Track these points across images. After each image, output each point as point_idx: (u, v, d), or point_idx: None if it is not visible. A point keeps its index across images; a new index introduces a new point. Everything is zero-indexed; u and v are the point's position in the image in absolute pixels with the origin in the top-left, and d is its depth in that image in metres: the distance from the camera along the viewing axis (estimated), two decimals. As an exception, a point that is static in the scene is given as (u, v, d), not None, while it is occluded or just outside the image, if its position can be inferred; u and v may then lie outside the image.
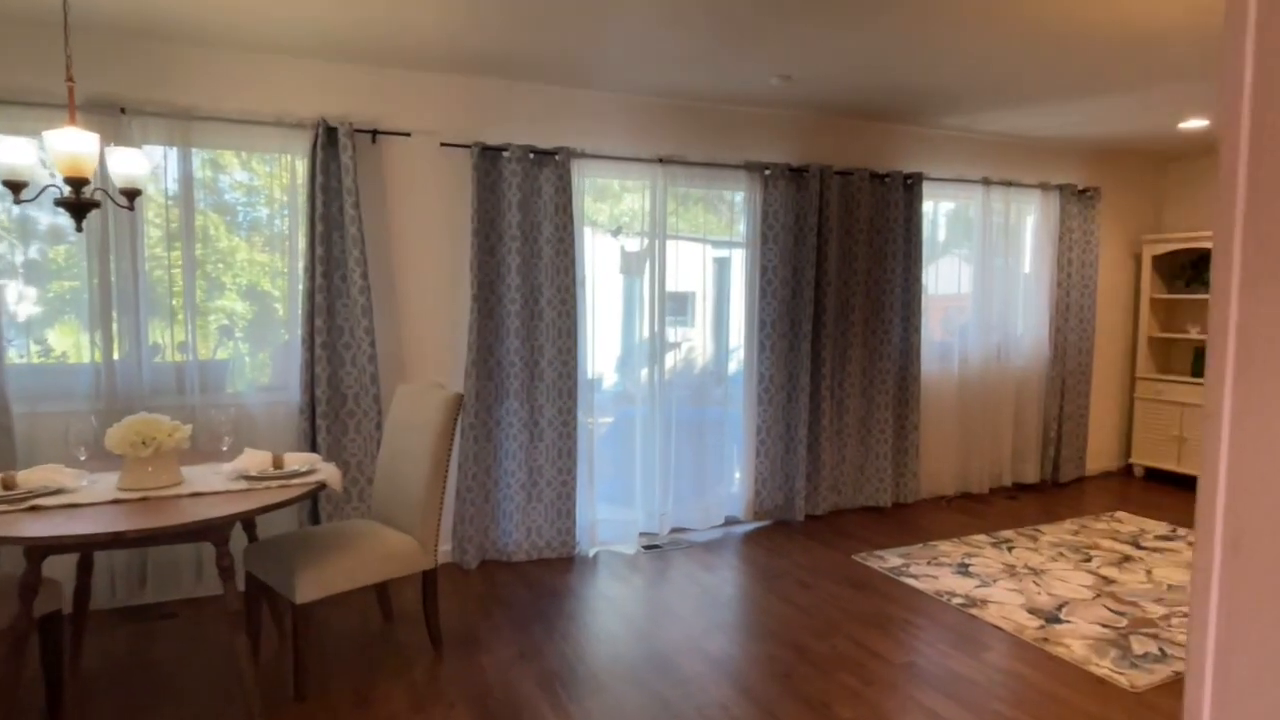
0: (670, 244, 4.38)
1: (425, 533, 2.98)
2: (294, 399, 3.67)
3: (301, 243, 3.61)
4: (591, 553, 4.18)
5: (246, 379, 3.70)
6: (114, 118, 3.25)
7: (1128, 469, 6.17)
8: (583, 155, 4.09)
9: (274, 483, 2.62)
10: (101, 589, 3.36)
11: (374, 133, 3.73)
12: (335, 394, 3.67)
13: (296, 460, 2.82)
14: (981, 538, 4.46)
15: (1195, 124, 4.82)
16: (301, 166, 3.61)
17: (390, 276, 3.87)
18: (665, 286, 4.37)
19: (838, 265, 4.79)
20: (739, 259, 4.66)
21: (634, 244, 4.42)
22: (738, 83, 4.01)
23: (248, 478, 2.65)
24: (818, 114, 4.73)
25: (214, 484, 2.60)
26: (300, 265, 3.62)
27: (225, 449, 2.90)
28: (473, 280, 3.85)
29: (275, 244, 3.68)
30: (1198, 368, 5.74)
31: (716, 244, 4.69)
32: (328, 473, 2.75)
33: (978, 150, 5.32)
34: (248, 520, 3.10)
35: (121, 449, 2.47)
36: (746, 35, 3.27)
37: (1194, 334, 5.73)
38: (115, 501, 2.42)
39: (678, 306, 4.56)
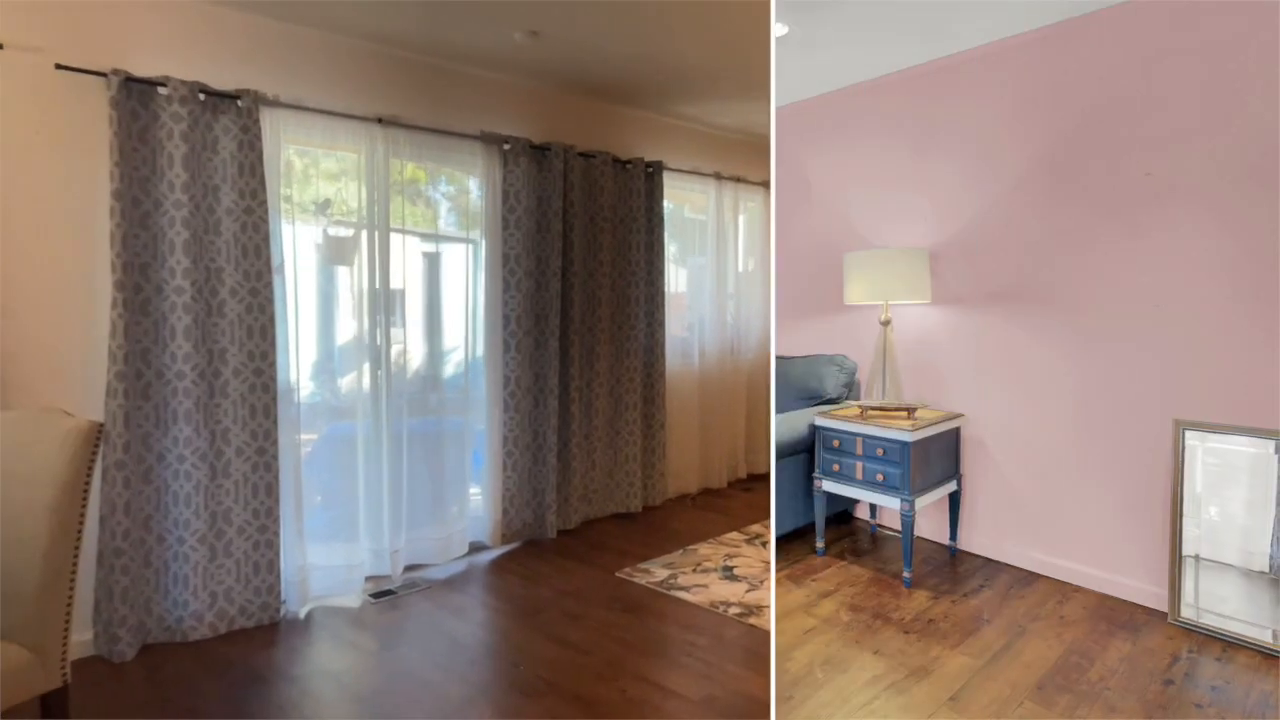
0: (393, 221, 3.63)
1: (45, 634, 1.98)
2: None
3: None
4: (303, 612, 3.29)
5: None
6: None
7: (835, 452, 6.64)
8: (278, 104, 3.18)
9: None
10: None
11: (-64, 37, 2.50)
12: (-127, 431, 2.38)
13: None
14: (735, 535, 4.35)
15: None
16: None
17: (-26, 254, 2.64)
18: (389, 273, 3.62)
19: (583, 255, 4.40)
20: (470, 249, 4.03)
21: (344, 225, 3.58)
22: (476, 35, 3.40)
23: None
24: (561, 90, 4.28)
25: None
26: None
27: None
28: (116, 261, 2.77)
29: None
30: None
31: (433, 238, 4.01)
32: None
33: (710, 144, 5.27)
34: None
35: None
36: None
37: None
38: None
39: (395, 300, 3.80)
